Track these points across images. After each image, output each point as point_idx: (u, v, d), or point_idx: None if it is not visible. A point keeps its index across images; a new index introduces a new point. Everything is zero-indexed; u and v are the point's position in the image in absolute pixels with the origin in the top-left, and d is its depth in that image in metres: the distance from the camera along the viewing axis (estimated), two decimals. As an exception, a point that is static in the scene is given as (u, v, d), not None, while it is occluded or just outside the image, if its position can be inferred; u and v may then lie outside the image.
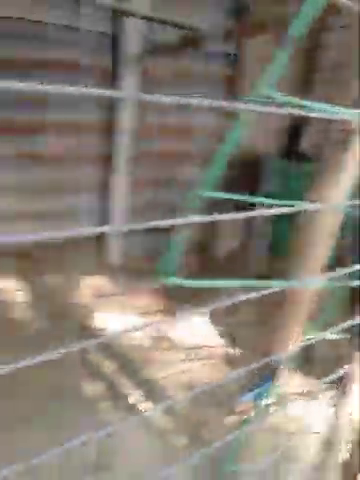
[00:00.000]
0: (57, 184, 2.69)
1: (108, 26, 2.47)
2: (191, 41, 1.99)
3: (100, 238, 2.85)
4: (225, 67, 2.96)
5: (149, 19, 2.08)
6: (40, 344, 1.91)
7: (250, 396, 1.06)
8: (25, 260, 2.54)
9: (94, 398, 1.81)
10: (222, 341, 2.29)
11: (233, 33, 1.95)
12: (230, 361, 2.13)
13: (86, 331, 2.20)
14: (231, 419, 1.57)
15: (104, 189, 2.82)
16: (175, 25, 1.83)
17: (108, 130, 2.70)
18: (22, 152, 2.54)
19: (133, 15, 2.15)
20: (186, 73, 2.80)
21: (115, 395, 1.84)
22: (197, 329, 2.34)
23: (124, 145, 2.67)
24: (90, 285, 2.59)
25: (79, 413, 1.66)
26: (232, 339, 2.27)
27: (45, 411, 1.64)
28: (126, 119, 2.61)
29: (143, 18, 2.15)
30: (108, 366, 2.01)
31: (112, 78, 2.60)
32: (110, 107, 2.67)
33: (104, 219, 2.86)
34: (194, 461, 0.67)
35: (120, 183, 2.76)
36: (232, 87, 2.98)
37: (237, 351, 2.19)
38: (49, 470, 1.27)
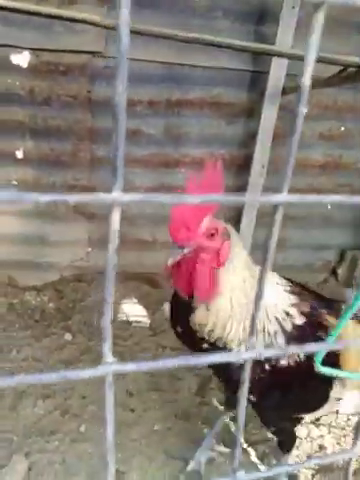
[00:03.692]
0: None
1: (249, 63, 2.47)
2: (350, 76, 1.77)
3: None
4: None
5: (293, 57, 1.97)
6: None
7: None
8: (151, 286, 2.79)
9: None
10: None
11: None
12: None
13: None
14: None
15: (234, 222, 2.78)
16: (328, 62, 1.64)
17: (242, 165, 2.70)
18: (162, 184, 2.75)
19: (275, 55, 2.10)
20: (336, 106, 2.64)
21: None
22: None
23: (257, 180, 2.60)
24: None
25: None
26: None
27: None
28: (260, 154, 2.54)
29: (287, 57, 2.08)
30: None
31: (251, 114, 2.61)
32: (244, 142, 2.67)
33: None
34: None
35: (249, 216, 2.70)
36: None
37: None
38: None
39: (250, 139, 2.61)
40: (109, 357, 0.29)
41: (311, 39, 0.25)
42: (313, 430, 1.84)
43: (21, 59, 2.43)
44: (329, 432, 1.84)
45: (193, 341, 1.11)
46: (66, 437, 1.69)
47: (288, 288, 1.20)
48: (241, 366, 1.22)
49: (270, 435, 1.79)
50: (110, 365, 0.28)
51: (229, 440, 1.75)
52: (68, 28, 2.32)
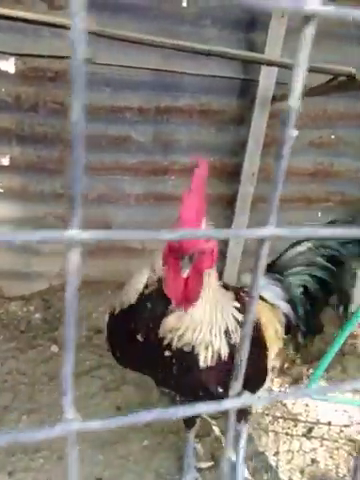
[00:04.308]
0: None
1: (239, 71, 2.45)
2: (340, 85, 1.77)
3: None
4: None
5: (283, 66, 1.94)
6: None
7: None
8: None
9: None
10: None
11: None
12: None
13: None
14: None
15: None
16: (319, 71, 1.61)
17: (232, 173, 2.66)
18: (152, 192, 2.69)
19: (265, 63, 2.08)
20: (326, 114, 2.65)
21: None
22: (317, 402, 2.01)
23: (247, 188, 2.57)
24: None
25: None
26: None
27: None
28: (250, 162, 2.51)
29: (277, 65, 2.05)
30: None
31: (241, 122, 2.58)
32: (234, 150, 2.64)
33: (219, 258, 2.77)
34: None
35: (240, 225, 2.65)
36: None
37: None
38: None
39: (240, 147, 2.59)
40: (70, 413, 0.25)
41: (299, 56, 0.22)
42: (305, 443, 1.80)
43: (8, 65, 2.39)
44: (321, 445, 1.80)
45: (155, 350, 1.09)
46: (53, 455, 1.63)
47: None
48: (203, 371, 1.15)
49: (261, 449, 1.75)
50: (71, 423, 0.25)
51: (221, 453, 1.71)
52: (56, 34, 2.28)
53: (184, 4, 2.36)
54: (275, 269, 1.55)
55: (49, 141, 2.52)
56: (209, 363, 1.10)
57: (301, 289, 1.53)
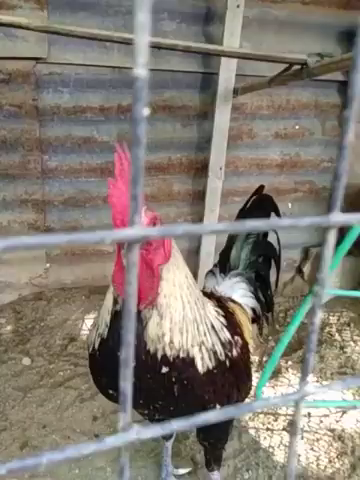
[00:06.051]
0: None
1: (199, 64, 2.40)
2: (295, 74, 1.74)
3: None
4: (338, 96, 2.70)
5: (240, 57, 1.92)
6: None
7: None
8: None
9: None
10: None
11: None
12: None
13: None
14: None
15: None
16: (273, 60, 1.60)
17: (200, 168, 2.63)
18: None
19: (224, 55, 2.04)
20: (289, 105, 2.63)
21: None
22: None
23: (215, 183, 2.53)
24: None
25: None
26: None
27: None
28: (216, 156, 2.47)
29: (235, 56, 2.02)
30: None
31: (205, 116, 2.55)
32: (200, 146, 2.60)
33: (193, 256, 2.76)
34: None
35: (210, 220, 2.61)
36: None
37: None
38: None
39: (206, 142, 2.55)
40: None
41: (138, 18, 0.18)
42: (286, 437, 1.79)
43: None
44: (302, 437, 1.79)
45: (151, 370, 0.96)
46: (24, 473, 1.56)
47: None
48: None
49: (242, 447, 1.72)
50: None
51: (201, 457, 1.68)
52: (7, 34, 2.19)
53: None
54: (230, 265, 1.52)
55: (9, 146, 2.42)
56: (209, 365, 1.01)
57: (254, 274, 1.52)
